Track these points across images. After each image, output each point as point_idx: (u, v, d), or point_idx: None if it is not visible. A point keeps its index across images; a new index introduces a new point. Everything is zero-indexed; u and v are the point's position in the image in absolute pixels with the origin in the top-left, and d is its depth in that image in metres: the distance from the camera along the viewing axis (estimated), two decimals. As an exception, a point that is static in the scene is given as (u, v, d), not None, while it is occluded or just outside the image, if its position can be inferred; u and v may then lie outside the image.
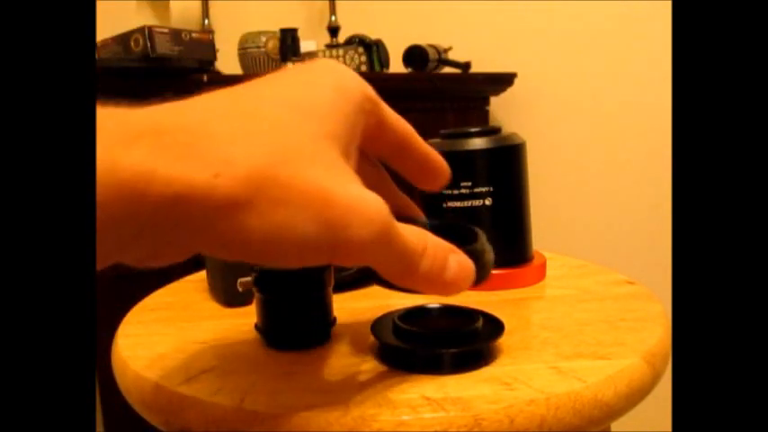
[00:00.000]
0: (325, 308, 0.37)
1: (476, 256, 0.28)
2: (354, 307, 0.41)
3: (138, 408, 0.33)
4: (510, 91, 1.47)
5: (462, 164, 0.47)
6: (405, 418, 0.27)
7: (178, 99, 0.23)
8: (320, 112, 0.24)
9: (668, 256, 1.20)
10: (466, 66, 1.44)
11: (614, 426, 0.35)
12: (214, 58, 1.24)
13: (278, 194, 0.21)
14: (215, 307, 0.45)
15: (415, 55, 1.43)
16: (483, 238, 0.31)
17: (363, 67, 1.42)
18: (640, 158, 1.38)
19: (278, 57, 1.37)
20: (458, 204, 0.47)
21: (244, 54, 1.44)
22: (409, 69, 1.44)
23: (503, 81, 1.45)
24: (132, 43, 1.12)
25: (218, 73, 1.30)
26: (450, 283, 0.26)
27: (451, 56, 1.49)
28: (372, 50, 1.45)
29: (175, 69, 1.12)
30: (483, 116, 1.48)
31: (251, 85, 0.25)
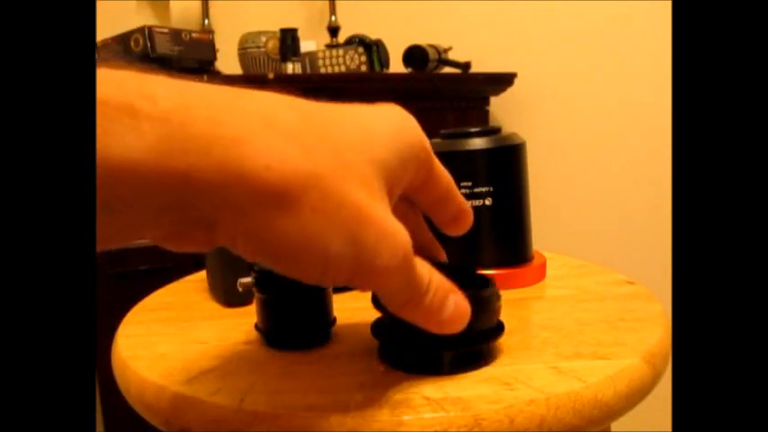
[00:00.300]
0: (326, 308, 0.37)
1: (484, 301, 0.31)
2: (354, 307, 0.41)
3: (138, 408, 0.33)
4: (510, 91, 1.47)
5: (462, 164, 0.47)
6: (405, 418, 0.27)
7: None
8: (379, 141, 0.25)
9: (668, 256, 1.20)
10: (466, 66, 1.44)
11: (614, 426, 0.35)
12: (214, 58, 1.24)
13: (319, 203, 0.21)
14: (215, 307, 0.45)
15: (415, 55, 1.43)
16: (494, 286, 0.32)
17: (363, 67, 1.42)
18: (640, 158, 1.38)
19: (278, 57, 1.37)
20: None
21: (244, 54, 1.44)
22: (409, 69, 1.44)
23: (503, 81, 1.45)
24: (132, 43, 1.12)
25: (218, 73, 1.30)
26: (445, 321, 0.27)
27: (451, 56, 1.49)
28: (372, 50, 1.45)
29: (175, 69, 1.12)
30: (483, 116, 1.48)
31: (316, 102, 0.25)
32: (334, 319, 0.38)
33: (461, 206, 0.31)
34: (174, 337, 0.39)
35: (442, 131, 0.49)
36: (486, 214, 0.47)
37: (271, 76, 1.19)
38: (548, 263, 0.50)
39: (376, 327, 0.34)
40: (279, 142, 0.21)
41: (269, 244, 0.22)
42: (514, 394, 0.29)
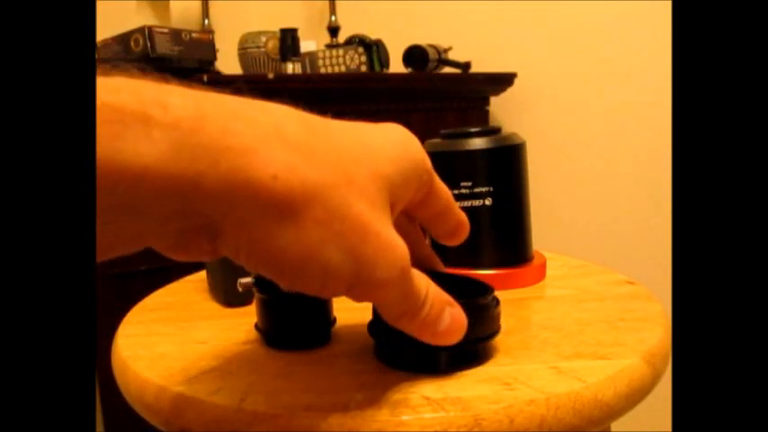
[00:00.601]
0: (325, 308, 0.37)
1: (482, 309, 0.31)
2: (354, 307, 0.41)
3: (138, 408, 0.33)
4: (510, 91, 1.47)
5: (462, 164, 0.47)
6: (405, 418, 0.27)
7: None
8: (383, 157, 0.25)
9: (668, 256, 1.20)
10: (466, 66, 1.44)
11: (614, 426, 0.35)
12: (214, 58, 1.24)
13: (322, 215, 0.22)
14: (215, 307, 0.45)
15: (415, 55, 1.43)
16: (492, 294, 0.33)
17: (363, 67, 1.42)
18: (640, 158, 1.38)
19: (278, 57, 1.37)
20: (458, 204, 0.47)
21: (244, 54, 1.44)
22: (409, 69, 1.44)
23: (503, 81, 1.45)
24: (132, 43, 1.12)
25: (218, 73, 1.30)
26: (440, 334, 0.27)
27: (451, 56, 1.49)
28: (372, 50, 1.45)
29: (175, 69, 1.12)
30: (483, 116, 1.48)
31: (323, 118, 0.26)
32: (334, 320, 0.38)
33: (459, 219, 0.32)
34: (173, 337, 0.39)
35: (442, 131, 0.49)
36: (486, 214, 0.47)
37: (271, 76, 1.19)
38: (548, 263, 0.50)
39: (372, 326, 0.34)
40: (286, 153, 0.21)
41: (270, 255, 0.22)
42: (514, 394, 0.29)
